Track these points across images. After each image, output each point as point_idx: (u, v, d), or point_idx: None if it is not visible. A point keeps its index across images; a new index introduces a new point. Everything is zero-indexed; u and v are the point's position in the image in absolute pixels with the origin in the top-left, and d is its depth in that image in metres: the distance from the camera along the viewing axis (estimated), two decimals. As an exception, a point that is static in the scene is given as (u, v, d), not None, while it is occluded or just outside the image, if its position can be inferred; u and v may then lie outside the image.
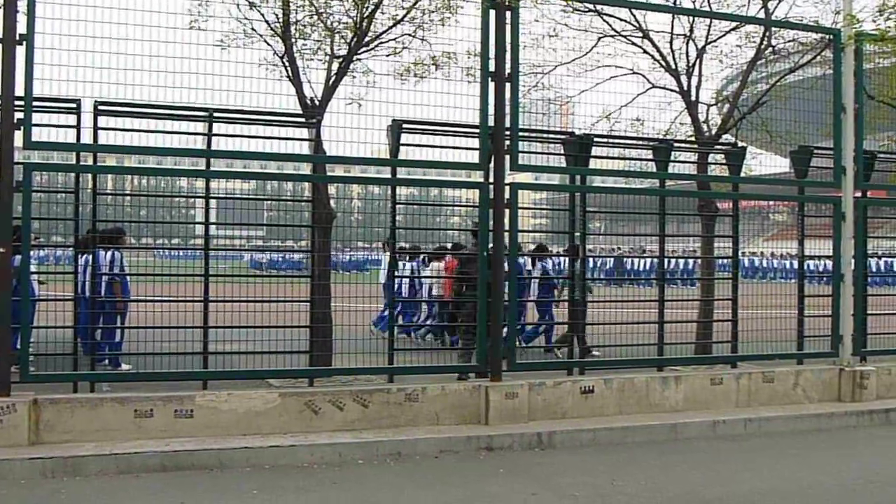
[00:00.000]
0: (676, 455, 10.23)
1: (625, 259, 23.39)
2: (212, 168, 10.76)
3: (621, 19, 13.56)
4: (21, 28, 9.24)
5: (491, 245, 10.99)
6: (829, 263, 13.56)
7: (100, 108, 10.19)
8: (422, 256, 17.16)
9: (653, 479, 9.05)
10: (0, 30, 9.19)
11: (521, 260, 13.71)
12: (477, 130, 11.05)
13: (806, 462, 10.09)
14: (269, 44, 11.51)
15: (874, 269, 20.16)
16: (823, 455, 10.46)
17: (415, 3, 11.58)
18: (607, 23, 13.57)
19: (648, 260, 22.11)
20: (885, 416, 12.42)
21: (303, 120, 11.22)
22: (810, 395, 12.68)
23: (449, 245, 16.23)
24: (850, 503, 8.22)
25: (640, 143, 13.34)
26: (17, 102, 9.29)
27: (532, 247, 16.00)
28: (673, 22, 13.92)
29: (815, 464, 10.00)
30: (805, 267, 14.19)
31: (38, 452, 8.75)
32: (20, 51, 9.24)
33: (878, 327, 14.04)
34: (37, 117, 9.61)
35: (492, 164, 11.00)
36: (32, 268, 10.47)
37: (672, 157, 12.93)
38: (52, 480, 8.42)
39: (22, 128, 9.32)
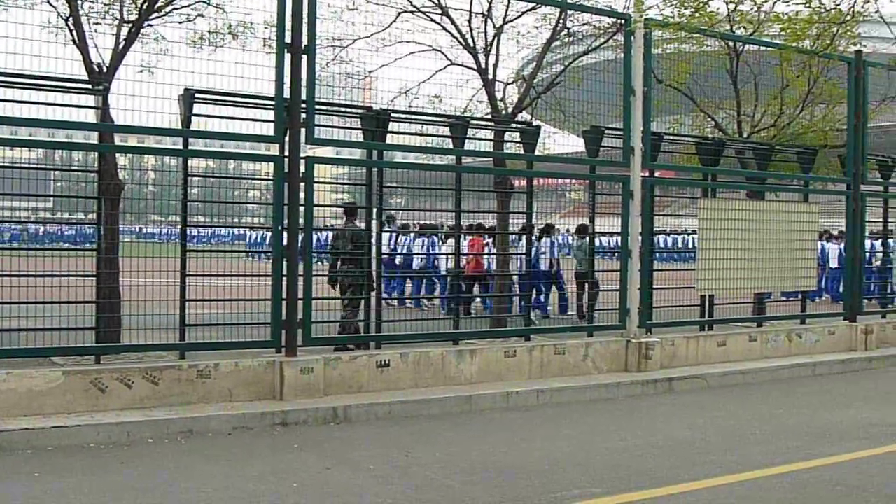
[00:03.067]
0: (471, 426, 10.45)
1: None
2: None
3: (421, -6, 13.63)
4: None
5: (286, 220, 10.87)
6: (619, 239, 14.11)
7: None
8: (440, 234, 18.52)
9: (447, 449, 9.20)
10: None
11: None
12: (272, 102, 10.87)
13: (594, 429, 10.50)
14: (52, 5, 10.95)
15: (661, 246, 21.20)
16: (610, 422, 10.90)
17: (209, -31, 11.29)
18: (407, -2, 13.62)
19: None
20: (668, 384, 13.09)
21: (89, 87, 10.73)
22: (599, 366, 13.20)
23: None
24: (632, 465, 8.58)
25: (439, 119, 13.45)
26: None
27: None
28: (472, 0, 14.09)
29: (603, 430, 10.41)
30: (597, 243, 14.72)
31: None
32: None
33: (663, 301, 14.73)
34: None
35: (287, 138, 10.85)
36: None
37: (469, 134, 13.12)
38: None
39: None
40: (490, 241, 17.94)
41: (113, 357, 10.52)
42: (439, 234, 19.03)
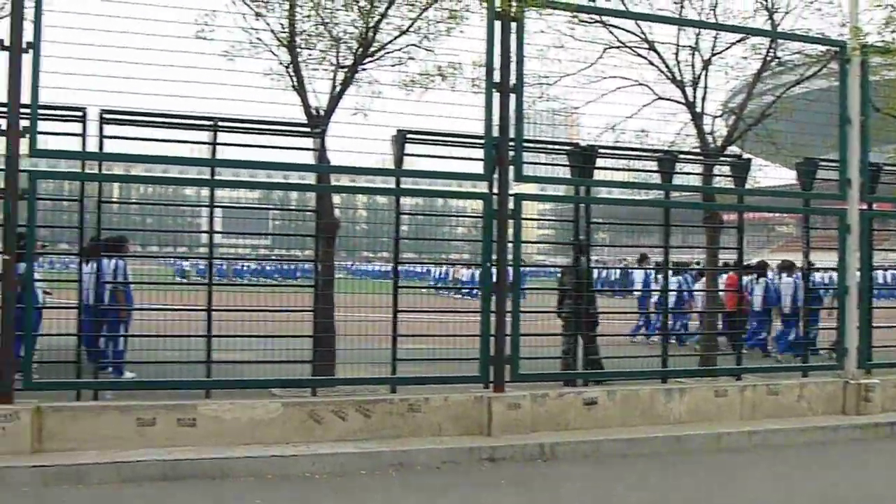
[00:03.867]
0: (680, 467, 10.21)
1: (630, 271, 23.75)
2: (218, 177, 10.80)
3: (627, 31, 13.55)
4: (28, 36, 9.27)
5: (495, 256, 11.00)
6: (836, 275, 13.53)
7: (105, 116, 10.23)
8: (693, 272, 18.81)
9: (656, 490, 9.04)
10: (7, 38, 9.23)
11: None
12: (482, 141, 11.05)
13: (810, 474, 10.08)
14: (274, 54, 11.53)
15: (880, 282, 20.18)
16: (828, 468, 10.43)
17: (420, 14, 11.60)
18: (613, 34, 13.56)
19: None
20: (891, 429, 12.35)
21: (308, 129, 11.24)
22: (814, 408, 12.63)
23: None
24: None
25: (645, 154, 13.32)
26: (23, 110, 9.31)
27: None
28: (679, 34, 13.90)
29: (820, 476, 9.98)
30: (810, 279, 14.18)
31: (41, 460, 8.76)
32: (26, 59, 9.26)
33: (884, 340, 13.98)
34: (43, 125, 9.56)
35: (496, 175, 11.01)
36: (37, 276, 10.46)
37: (677, 169, 12.93)
38: (54, 488, 8.42)
39: (28, 136, 9.33)
40: (752, 277, 17.92)
41: (327, 390, 10.88)
42: (692, 272, 19.05)
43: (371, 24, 11.49)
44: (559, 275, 14.54)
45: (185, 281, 17.06)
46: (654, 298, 19.99)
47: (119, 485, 8.62)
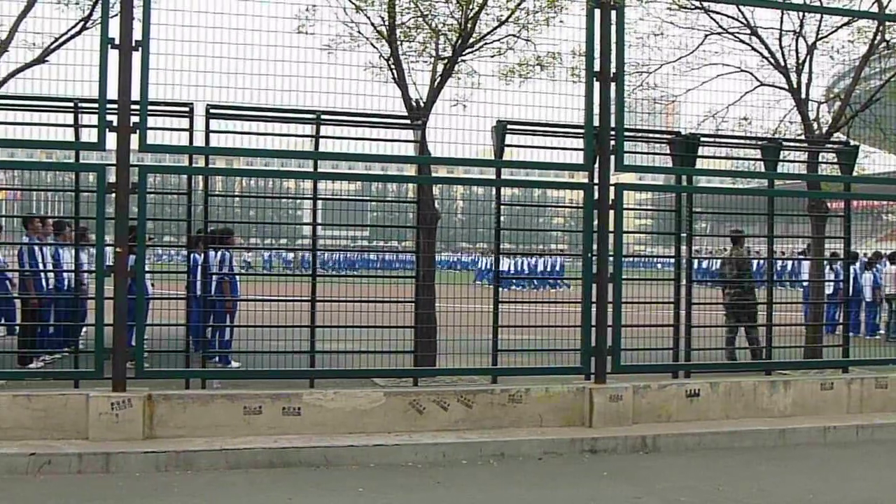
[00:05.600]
0: (785, 461, 10.01)
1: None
2: (318, 169, 10.96)
3: (728, 16, 13.34)
4: (137, 35, 9.52)
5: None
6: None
7: (211, 111, 10.45)
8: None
9: (760, 484, 8.87)
10: (118, 36, 9.48)
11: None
12: (581, 131, 10.98)
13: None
14: (375, 46, 11.65)
15: None
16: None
17: (519, 4, 11.58)
18: (714, 20, 13.36)
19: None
20: None
21: (408, 121, 11.32)
22: (927, 402, 12.26)
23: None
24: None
25: (748, 142, 13.08)
26: (132, 107, 9.57)
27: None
28: (782, 18, 13.61)
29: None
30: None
31: (152, 446, 9.01)
32: (136, 56, 9.52)
33: None
34: (151, 121, 9.86)
35: (596, 165, 10.93)
36: (147, 267, 10.75)
37: (781, 157, 12.67)
38: (164, 474, 8.67)
39: (137, 131, 9.60)
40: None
41: (429, 380, 10.95)
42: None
43: (470, 16, 11.51)
44: (720, 265, 14.70)
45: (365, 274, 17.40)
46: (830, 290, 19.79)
47: (227, 471, 8.83)
